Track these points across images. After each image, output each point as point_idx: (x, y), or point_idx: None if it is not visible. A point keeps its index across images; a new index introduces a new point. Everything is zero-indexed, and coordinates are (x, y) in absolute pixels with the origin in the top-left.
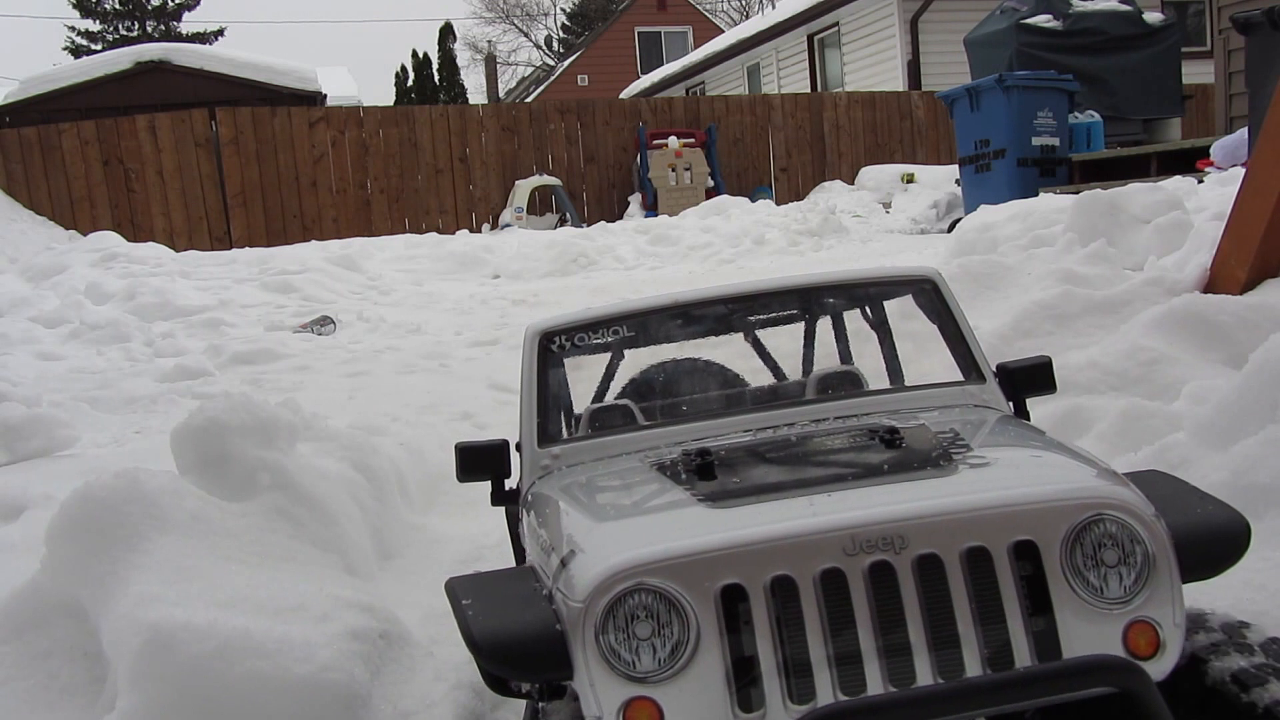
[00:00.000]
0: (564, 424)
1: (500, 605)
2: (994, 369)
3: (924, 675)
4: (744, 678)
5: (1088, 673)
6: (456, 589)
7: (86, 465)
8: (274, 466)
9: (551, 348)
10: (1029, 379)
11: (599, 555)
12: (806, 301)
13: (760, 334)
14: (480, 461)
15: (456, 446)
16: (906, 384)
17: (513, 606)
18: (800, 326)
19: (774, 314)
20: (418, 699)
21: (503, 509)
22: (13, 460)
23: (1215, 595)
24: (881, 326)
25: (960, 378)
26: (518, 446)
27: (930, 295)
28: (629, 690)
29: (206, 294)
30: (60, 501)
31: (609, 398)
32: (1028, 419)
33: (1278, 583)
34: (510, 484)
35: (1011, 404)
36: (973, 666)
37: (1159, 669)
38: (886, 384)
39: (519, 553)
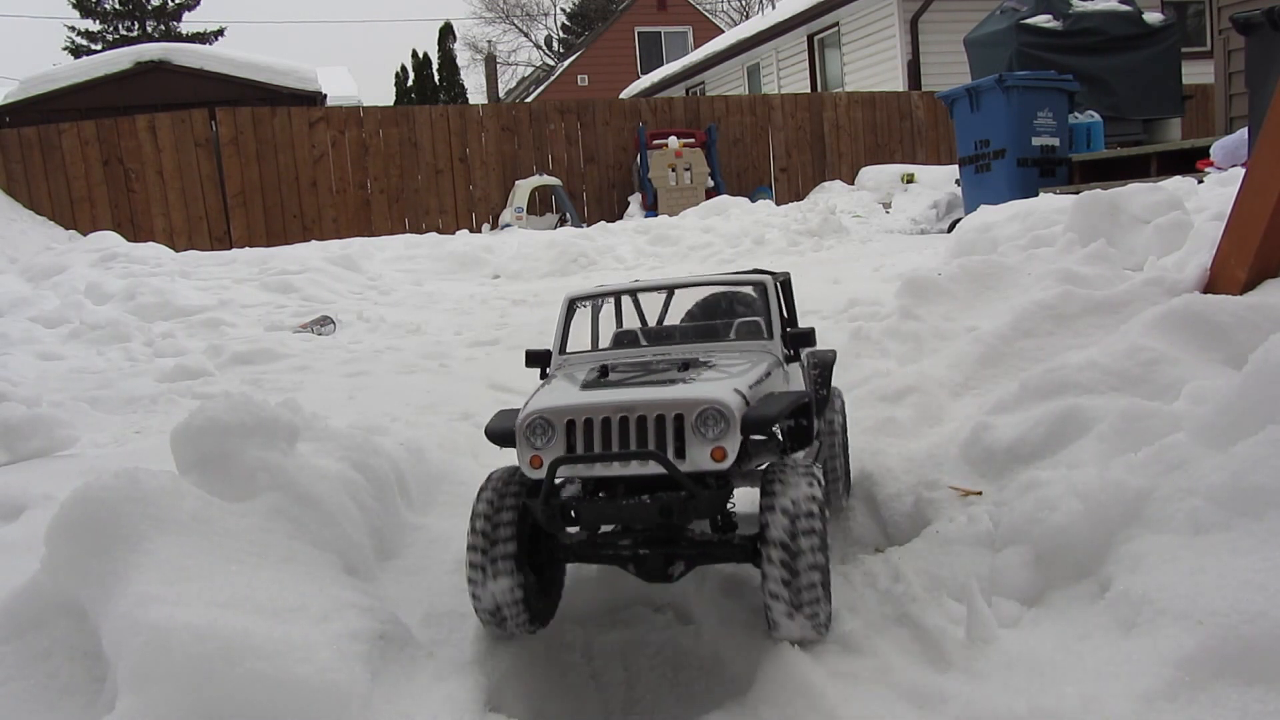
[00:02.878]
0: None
1: (501, 421)
2: (783, 332)
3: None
4: (570, 451)
5: (655, 455)
6: (493, 418)
7: (86, 465)
8: (274, 466)
9: (574, 307)
10: (799, 339)
11: (530, 406)
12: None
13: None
14: (536, 360)
15: (526, 351)
16: (744, 336)
17: (504, 422)
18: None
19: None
20: (418, 699)
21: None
22: (13, 460)
23: (1215, 593)
24: (758, 302)
25: (765, 336)
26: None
27: (760, 289)
28: (531, 451)
29: (206, 294)
30: (60, 501)
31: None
32: (799, 362)
33: (1278, 583)
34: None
35: (791, 351)
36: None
37: (724, 465)
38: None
39: None
